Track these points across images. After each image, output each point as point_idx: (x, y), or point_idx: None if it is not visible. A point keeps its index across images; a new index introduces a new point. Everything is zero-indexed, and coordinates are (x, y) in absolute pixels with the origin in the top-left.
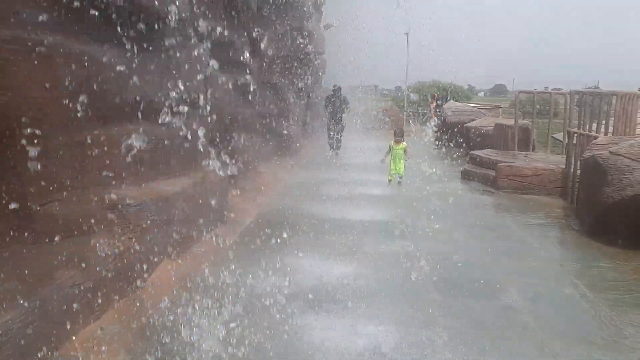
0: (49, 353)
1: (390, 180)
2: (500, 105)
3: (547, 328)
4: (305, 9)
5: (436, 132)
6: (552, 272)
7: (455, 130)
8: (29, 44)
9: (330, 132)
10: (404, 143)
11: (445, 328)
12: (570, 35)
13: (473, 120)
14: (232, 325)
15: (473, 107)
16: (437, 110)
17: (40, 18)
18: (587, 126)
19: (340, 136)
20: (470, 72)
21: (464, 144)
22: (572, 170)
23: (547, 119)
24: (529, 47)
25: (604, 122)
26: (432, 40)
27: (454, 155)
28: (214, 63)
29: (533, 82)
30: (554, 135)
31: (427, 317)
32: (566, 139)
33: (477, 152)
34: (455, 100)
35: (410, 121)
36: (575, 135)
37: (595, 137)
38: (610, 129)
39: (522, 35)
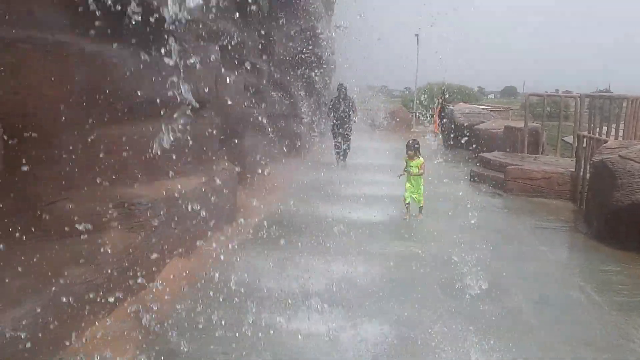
0: (60, 349)
1: (407, 205)
2: (511, 108)
3: (553, 331)
4: (316, 10)
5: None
6: (559, 275)
7: (465, 132)
8: (43, 43)
9: (337, 142)
10: (419, 159)
11: (449, 329)
12: (581, 38)
13: (483, 122)
14: (235, 328)
15: (483, 109)
16: (442, 114)
17: (54, 18)
18: (597, 130)
19: (348, 146)
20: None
21: (473, 146)
22: (581, 173)
23: (557, 121)
24: (540, 49)
25: (614, 125)
26: (443, 41)
27: (463, 157)
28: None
29: (544, 85)
30: (564, 139)
31: (431, 319)
32: (576, 143)
33: (486, 155)
34: (465, 102)
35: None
36: (585, 138)
37: (605, 141)
38: (621, 133)
39: (533, 37)
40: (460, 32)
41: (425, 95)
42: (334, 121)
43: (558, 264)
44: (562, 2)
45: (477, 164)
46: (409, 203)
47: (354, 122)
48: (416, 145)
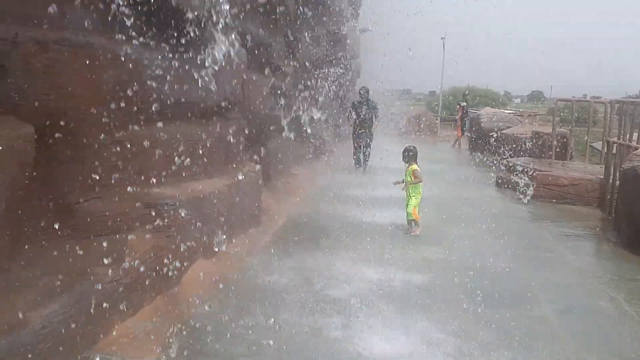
0: (86, 347)
1: (409, 221)
2: (537, 113)
3: (580, 341)
4: (341, 13)
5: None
6: (586, 284)
7: (491, 136)
8: (75, 45)
9: (356, 146)
10: (413, 165)
11: (474, 337)
12: (611, 42)
13: (509, 127)
14: (259, 329)
15: (509, 113)
16: (465, 118)
17: (86, 20)
18: (628, 136)
19: (368, 152)
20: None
21: (499, 151)
22: (610, 180)
23: (585, 127)
24: (568, 52)
25: None
26: (469, 45)
27: (489, 162)
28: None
29: (571, 89)
30: (592, 145)
31: (457, 326)
32: (605, 149)
33: (512, 160)
34: (491, 107)
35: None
36: (615, 145)
37: (636, 148)
38: None
39: (561, 41)
40: (485, 35)
41: (451, 98)
42: (355, 125)
43: (586, 273)
44: (591, 5)
45: (503, 169)
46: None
47: (375, 126)
48: (410, 153)
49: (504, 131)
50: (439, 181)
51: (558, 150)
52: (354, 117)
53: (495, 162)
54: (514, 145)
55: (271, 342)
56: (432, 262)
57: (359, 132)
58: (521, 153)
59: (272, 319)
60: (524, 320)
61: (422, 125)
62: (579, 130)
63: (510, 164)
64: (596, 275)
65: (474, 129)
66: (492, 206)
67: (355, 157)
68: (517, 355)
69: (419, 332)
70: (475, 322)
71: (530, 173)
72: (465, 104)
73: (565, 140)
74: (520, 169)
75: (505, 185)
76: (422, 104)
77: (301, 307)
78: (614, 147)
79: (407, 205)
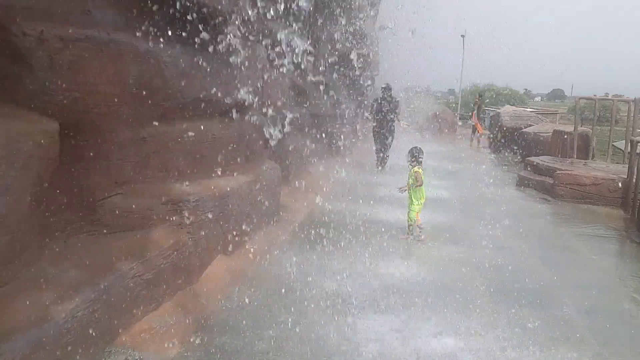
0: (109, 341)
1: (409, 226)
2: (558, 111)
3: (604, 342)
4: (361, 10)
5: (491, 137)
6: (610, 285)
7: (512, 135)
8: (99, 42)
9: (378, 145)
10: (416, 167)
11: (495, 337)
12: (633, 40)
13: (529, 125)
14: (279, 325)
15: (530, 112)
16: (482, 115)
17: (110, 17)
18: None
19: (388, 151)
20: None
21: (520, 150)
22: (634, 180)
23: (607, 126)
24: (589, 50)
25: None
26: (489, 42)
27: (510, 161)
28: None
29: (592, 88)
30: (614, 144)
31: (478, 325)
32: (629, 148)
33: (533, 159)
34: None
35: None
36: (639, 144)
37: None
38: None
39: (582, 38)
40: (506, 33)
41: (470, 97)
42: (376, 124)
43: (609, 273)
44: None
45: (525, 168)
46: (410, 225)
47: (398, 122)
48: (415, 153)
49: (525, 130)
50: (460, 180)
51: (579, 149)
52: (375, 115)
53: (516, 161)
54: (535, 144)
55: (291, 340)
56: (455, 261)
57: (381, 130)
58: (543, 152)
59: (293, 317)
60: (548, 320)
61: (441, 124)
62: (601, 129)
63: (531, 163)
64: (619, 276)
65: (495, 127)
66: (513, 205)
67: (377, 156)
68: (543, 355)
69: (434, 332)
70: (495, 322)
71: (551, 172)
72: (478, 100)
73: (587, 139)
74: (542, 168)
75: (527, 185)
76: (440, 102)
77: (320, 304)
78: (638, 147)
79: (409, 209)
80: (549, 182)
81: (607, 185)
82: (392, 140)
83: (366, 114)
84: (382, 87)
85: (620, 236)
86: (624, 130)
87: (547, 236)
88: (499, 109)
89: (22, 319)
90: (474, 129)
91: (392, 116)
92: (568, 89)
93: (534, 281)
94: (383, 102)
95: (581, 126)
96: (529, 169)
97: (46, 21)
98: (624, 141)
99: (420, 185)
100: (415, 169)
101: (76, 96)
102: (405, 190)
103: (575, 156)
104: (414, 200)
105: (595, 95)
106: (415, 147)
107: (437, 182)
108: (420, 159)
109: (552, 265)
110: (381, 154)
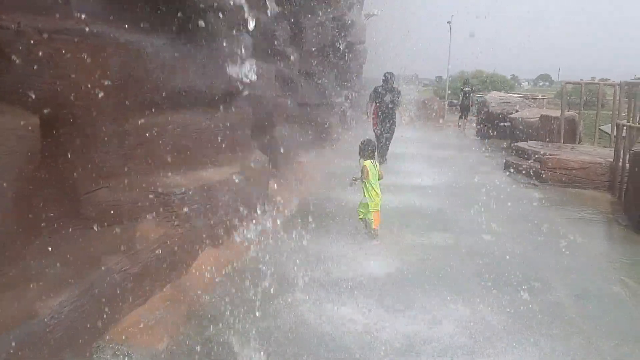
0: (97, 337)
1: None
2: (545, 96)
3: (596, 326)
4: None
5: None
6: (599, 268)
7: (499, 120)
8: (79, 34)
9: (379, 136)
10: (364, 160)
11: (487, 323)
12: (620, 23)
13: (516, 111)
14: (268, 318)
15: (517, 97)
16: (466, 102)
17: (90, 8)
18: (637, 118)
19: (388, 145)
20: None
21: (507, 135)
22: (620, 163)
23: (594, 110)
24: (576, 34)
25: None
26: (475, 29)
27: (497, 147)
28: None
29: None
30: (601, 128)
31: (469, 312)
32: (615, 132)
33: (521, 144)
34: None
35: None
36: (625, 127)
37: None
38: None
39: (569, 23)
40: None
41: (458, 84)
42: (378, 114)
43: (598, 257)
44: None
45: (512, 154)
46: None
47: (399, 110)
48: (361, 146)
49: (511, 115)
50: (447, 167)
51: (566, 133)
52: (377, 104)
53: (503, 147)
54: (522, 129)
55: (281, 329)
56: (443, 248)
57: (383, 123)
58: (530, 137)
59: (283, 306)
60: (538, 304)
61: (429, 111)
62: (588, 114)
63: (519, 148)
64: (608, 259)
65: (481, 113)
66: (501, 191)
67: (380, 151)
68: (534, 340)
69: (425, 320)
70: (486, 307)
71: (538, 157)
72: (468, 89)
73: (573, 123)
74: (530, 153)
75: (514, 170)
76: (429, 89)
77: (310, 292)
78: (624, 130)
79: (361, 203)
80: (536, 167)
81: (594, 169)
82: (393, 132)
83: (367, 101)
84: (384, 75)
85: (608, 219)
86: (610, 114)
87: (536, 220)
88: (485, 95)
89: (8, 316)
90: (461, 116)
91: (394, 106)
92: (555, 74)
93: (523, 266)
94: (385, 91)
95: (568, 110)
96: (516, 154)
97: (24, 13)
98: (610, 125)
99: (369, 180)
100: (364, 162)
101: (57, 89)
102: (354, 182)
103: (562, 141)
104: (365, 195)
105: (581, 80)
106: (363, 140)
107: (424, 169)
108: (366, 152)
109: (540, 250)
110: (382, 146)
